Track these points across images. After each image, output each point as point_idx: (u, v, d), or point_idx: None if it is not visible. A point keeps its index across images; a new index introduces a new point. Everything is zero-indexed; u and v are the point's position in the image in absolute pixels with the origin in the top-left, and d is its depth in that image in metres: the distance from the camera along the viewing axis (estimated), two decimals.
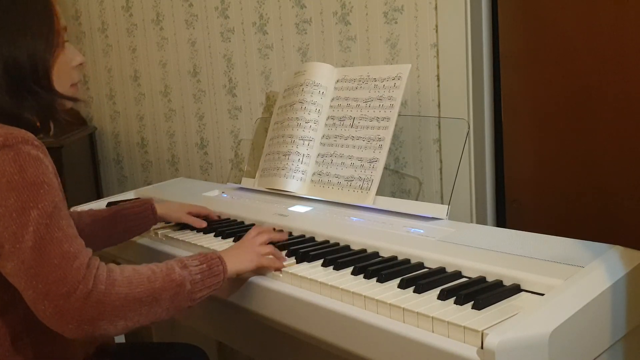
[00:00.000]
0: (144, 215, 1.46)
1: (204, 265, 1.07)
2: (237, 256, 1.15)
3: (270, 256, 1.19)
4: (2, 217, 0.91)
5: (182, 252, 1.36)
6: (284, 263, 1.19)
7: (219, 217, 1.57)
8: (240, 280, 1.20)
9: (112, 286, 0.93)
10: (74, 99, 1.12)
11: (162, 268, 1.02)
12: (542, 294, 0.94)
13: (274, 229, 1.35)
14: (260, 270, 1.18)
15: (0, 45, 1.00)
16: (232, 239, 1.38)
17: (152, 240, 1.51)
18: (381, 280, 1.05)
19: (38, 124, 1.06)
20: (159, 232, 1.51)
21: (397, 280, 1.04)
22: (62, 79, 1.08)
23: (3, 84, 1.00)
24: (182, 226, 1.53)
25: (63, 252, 0.91)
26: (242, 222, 1.52)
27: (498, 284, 1.00)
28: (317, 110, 1.64)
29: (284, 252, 1.24)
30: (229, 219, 1.57)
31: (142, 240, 1.53)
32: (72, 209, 1.51)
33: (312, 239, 1.33)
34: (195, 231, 1.49)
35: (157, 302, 0.98)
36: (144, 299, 0.96)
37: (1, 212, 0.91)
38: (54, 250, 0.91)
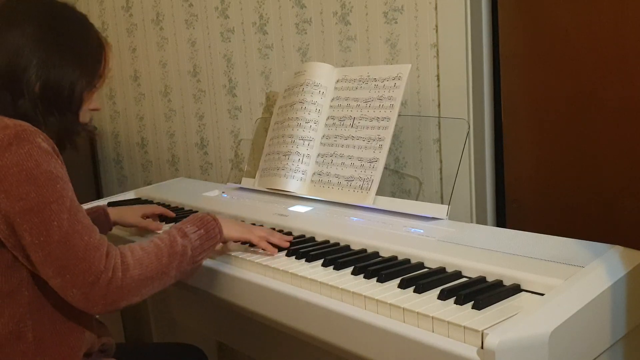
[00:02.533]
0: (96, 223, 1.42)
1: (202, 231, 1.17)
2: (230, 224, 1.25)
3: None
4: (23, 210, 0.97)
5: None
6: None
7: (175, 215, 1.60)
8: (240, 280, 1.20)
9: (127, 271, 1.02)
10: (91, 132, 1.24)
11: (166, 242, 1.10)
12: (542, 294, 0.94)
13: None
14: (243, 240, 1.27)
15: (51, 66, 1.09)
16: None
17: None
18: (381, 280, 1.05)
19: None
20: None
21: (397, 280, 1.04)
22: (81, 114, 1.17)
23: (33, 95, 1.08)
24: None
25: (86, 244, 1.00)
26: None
27: (498, 284, 1.00)
28: (317, 110, 1.64)
29: (283, 252, 1.24)
30: (183, 208, 1.60)
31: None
32: None
33: (312, 239, 1.33)
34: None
35: (165, 274, 1.08)
36: (154, 276, 1.06)
37: (21, 205, 0.97)
38: (79, 243, 0.99)
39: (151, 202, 1.81)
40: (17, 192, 0.97)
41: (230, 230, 1.23)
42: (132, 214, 1.51)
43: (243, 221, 1.44)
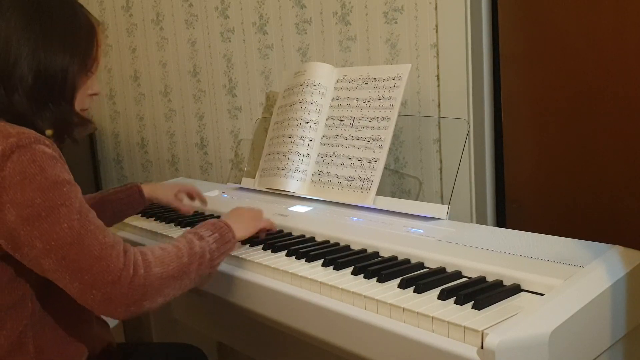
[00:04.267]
0: (131, 200, 1.49)
1: (217, 234, 1.14)
2: (241, 222, 1.24)
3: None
4: (31, 217, 0.93)
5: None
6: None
7: (204, 199, 1.65)
8: (239, 280, 1.20)
9: (150, 268, 0.98)
10: (88, 122, 1.16)
11: (183, 243, 1.07)
12: (542, 294, 0.94)
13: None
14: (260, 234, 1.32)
15: (42, 54, 1.04)
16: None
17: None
18: (381, 280, 1.05)
19: (49, 132, 1.09)
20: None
21: (397, 280, 1.04)
22: (77, 103, 1.12)
23: (27, 88, 1.03)
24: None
25: (101, 243, 0.95)
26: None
27: (498, 284, 1.00)
28: (317, 110, 1.64)
29: (283, 252, 1.24)
30: (212, 215, 1.60)
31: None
32: None
33: (312, 239, 1.33)
34: (172, 224, 1.56)
35: (186, 275, 1.04)
36: (176, 274, 1.02)
37: (29, 212, 0.93)
38: (92, 243, 0.95)
39: (211, 216, 1.69)
40: (22, 199, 0.94)
41: (243, 229, 1.23)
42: (165, 192, 1.55)
43: (281, 230, 1.44)
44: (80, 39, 1.09)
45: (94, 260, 0.94)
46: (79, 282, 0.94)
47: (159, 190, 1.55)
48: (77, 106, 1.12)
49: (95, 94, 1.16)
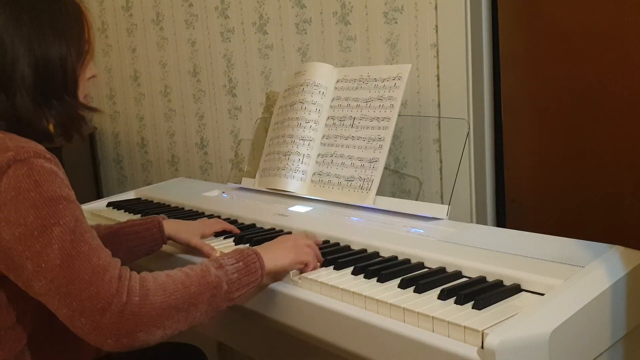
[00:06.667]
0: (148, 235, 1.33)
1: (240, 263, 1.03)
2: (274, 250, 1.11)
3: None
4: (23, 236, 0.88)
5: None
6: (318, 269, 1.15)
7: (235, 230, 1.42)
8: None
9: (146, 296, 0.90)
10: (95, 110, 1.11)
11: (196, 271, 0.98)
12: (542, 294, 0.94)
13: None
14: (297, 266, 1.13)
15: (37, 49, 0.98)
16: None
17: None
18: (381, 280, 1.05)
19: (52, 130, 1.05)
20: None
21: (398, 280, 1.04)
22: (79, 90, 1.06)
23: (30, 88, 0.98)
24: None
25: (93, 267, 0.89)
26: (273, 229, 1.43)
27: (498, 284, 1.00)
28: (318, 110, 1.64)
29: None
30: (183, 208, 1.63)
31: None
32: None
33: None
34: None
35: (194, 306, 0.95)
36: (180, 305, 0.93)
37: (21, 230, 0.88)
38: (83, 266, 0.88)
39: (211, 216, 1.59)
40: (16, 217, 0.88)
41: (275, 259, 1.08)
42: (187, 231, 1.35)
43: (281, 231, 1.33)
44: (70, 23, 1.03)
45: (84, 285, 0.87)
46: (67, 308, 0.87)
47: (181, 229, 1.35)
48: (80, 94, 1.07)
49: (93, 77, 1.10)
